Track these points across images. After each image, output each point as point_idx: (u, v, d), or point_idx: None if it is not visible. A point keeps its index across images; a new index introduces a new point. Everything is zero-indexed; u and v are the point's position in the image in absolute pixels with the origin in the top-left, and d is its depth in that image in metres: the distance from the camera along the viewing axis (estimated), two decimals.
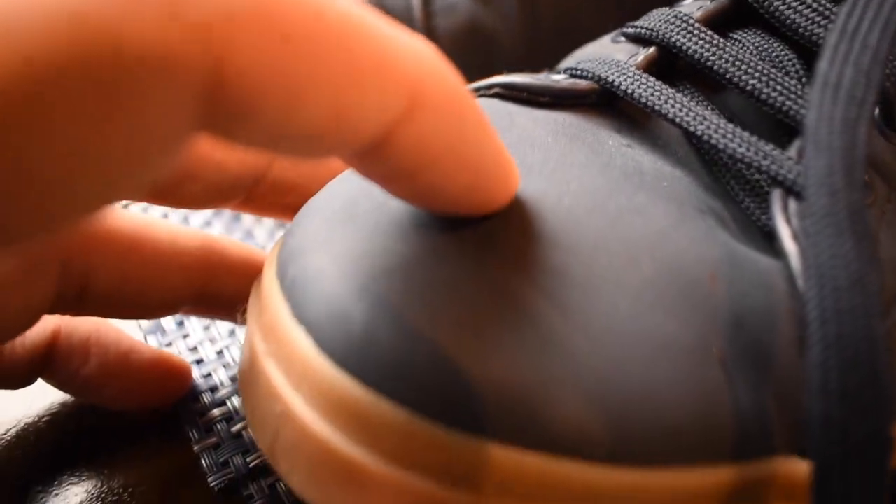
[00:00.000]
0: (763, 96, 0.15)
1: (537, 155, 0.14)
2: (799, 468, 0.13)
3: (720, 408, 0.12)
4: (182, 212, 0.25)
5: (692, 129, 0.15)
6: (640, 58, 0.16)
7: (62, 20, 0.08)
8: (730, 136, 0.14)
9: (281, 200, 0.18)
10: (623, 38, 0.17)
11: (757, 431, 0.13)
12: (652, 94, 0.15)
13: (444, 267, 0.12)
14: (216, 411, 0.19)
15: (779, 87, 0.15)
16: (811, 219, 0.12)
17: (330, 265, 0.12)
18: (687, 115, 0.15)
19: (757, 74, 0.15)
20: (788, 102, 0.15)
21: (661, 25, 0.16)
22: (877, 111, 0.16)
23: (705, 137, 0.15)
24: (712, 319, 0.13)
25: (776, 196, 0.14)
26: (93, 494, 0.18)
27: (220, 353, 0.21)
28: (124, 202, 0.17)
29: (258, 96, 0.09)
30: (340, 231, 0.12)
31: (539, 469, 0.11)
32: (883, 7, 0.14)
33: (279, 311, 0.12)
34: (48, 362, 0.17)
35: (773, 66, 0.16)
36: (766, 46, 0.16)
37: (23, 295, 0.15)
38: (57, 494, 0.18)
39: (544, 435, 0.11)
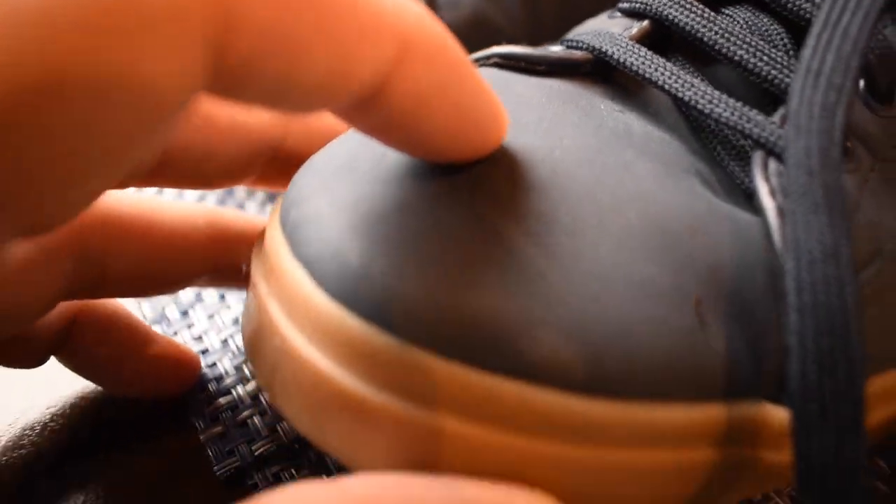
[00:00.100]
0: (750, 66, 0.16)
1: (532, 115, 0.15)
2: (770, 413, 0.14)
3: (694, 348, 0.13)
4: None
5: (680, 94, 0.15)
6: (634, 30, 0.17)
7: None
8: (715, 101, 0.15)
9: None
10: (619, 14, 0.19)
11: (729, 374, 0.14)
12: (643, 63, 0.16)
13: (437, 210, 0.13)
14: (222, 400, 0.20)
15: (765, 58, 0.16)
16: (791, 197, 0.13)
17: (328, 209, 0.13)
18: (675, 82, 0.16)
19: (745, 46, 0.16)
20: (774, 72, 0.15)
21: (654, 0, 0.17)
22: (862, 85, 0.16)
23: (692, 103, 0.15)
24: (690, 266, 0.14)
25: (757, 157, 0.15)
26: (99, 483, 0.19)
27: (224, 342, 0.21)
28: (139, 188, 0.17)
29: (263, 46, 0.10)
30: (340, 180, 0.14)
31: (519, 396, 0.12)
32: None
33: (280, 253, 0.13)
34: (65, 343, 0.18)
35: (761, 39, 0.16)
36: (755, 21, 0.17)
37: (41, 280, 0.15)
38: (62, 484, 0.18)
39: (524, 364, 0.12)
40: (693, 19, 0.17)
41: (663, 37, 0.18)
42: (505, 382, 0.12)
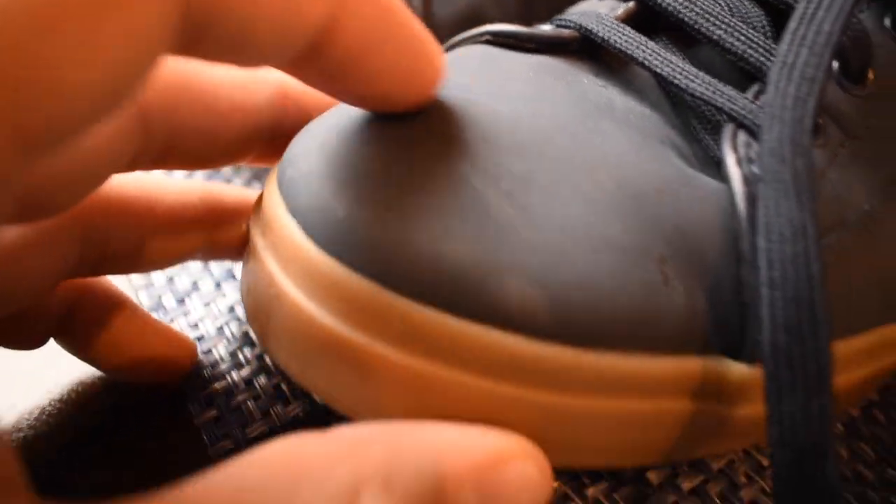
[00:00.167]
0: (727, 45, 0.16)
1: (517, 86, 0.16)
2: (731, 369, 0.15)
3: (655, 303, 0.14)
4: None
5: (658, 70, 0.16)
6: (620, 11, 0.18)
7: None
8: (692, 77, 0.16)
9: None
10: None
11: (690, 329, 0.14)
12: (625, 42, 0.17)
13: (419, 169, 0.14)
14: (217, 385, 0.20)
15: (743, 38, 0.16)
16: (763, 182, 0.14)
17: (319, 166, 0.14)
18: (655, 59, 0.16)
19: (724, 26, 0.17)
20: (750, 51, 0.16)
21: None
22: (837, 66, 0.17)
23: (670, 78, 0.16)
24: (656, 226, 0.14)
25: (728, 128, 0.16)
26: (97, 468, 0.19)
27: (220, 329, 0.22)
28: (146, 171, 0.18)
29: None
30: (330, 141, 0.15)
31: (489, 340, 0.13)
32: None
33: (276, 209, 0.15)
34: (65, 325, 0.18)
35: (740, 21, 0.17)
36: (737, 4, 0.18)
37: (45, 260, 0.16)
38: (60, 469, 0.19)
39: (493, 310, 0.13)
40: (675, 0, 0.17)
41: (651, 18, 0.18)
42: (476, 327, 0.13)
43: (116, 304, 0.19)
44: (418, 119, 0.15)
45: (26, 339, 0.18)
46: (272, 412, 0.20)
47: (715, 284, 0.15)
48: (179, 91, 0.17)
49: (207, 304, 0.23)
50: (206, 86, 0.17)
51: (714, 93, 0.16)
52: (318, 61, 0.13)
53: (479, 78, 0.17)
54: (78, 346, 0.19)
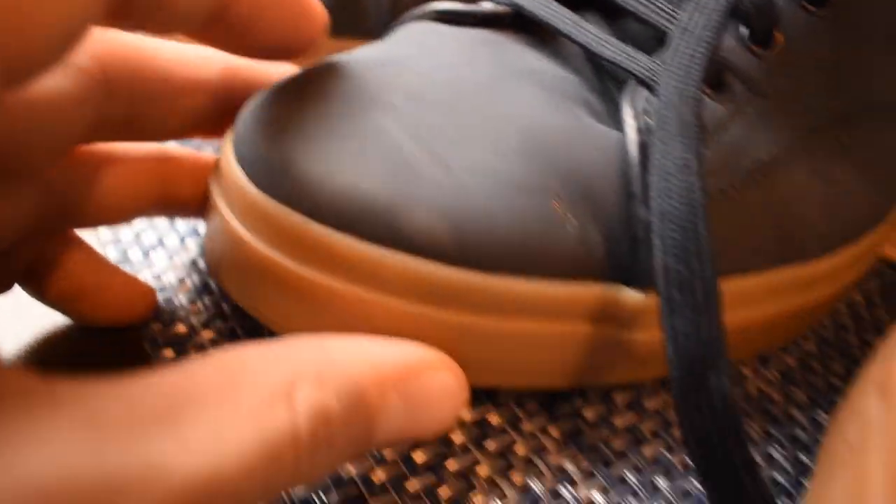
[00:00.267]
0: (641, 14, 0.19)
1: (449, 54, 0.19)
2: (625, 295, 0.17)
3: (549, 233, 0.16)
4: None
5: (576, 39, 0.18)
6: None
7: None
8: (604, 43, 0.18)
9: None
10: None
11: (583, 258, 0.17)
12: (551, 15, 0.19)
13: (344, 118, 0.16)
14: (174, 328, 0.22)
15: (654, 8, 0.19)
16: (658, 127, 0.17)
17: (258, 119, 0.17)
18: (575, 30, 0.19)
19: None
20: (659, 18, 0.18)
21: None
22: (746, 31, 0.19)
23: (586, 45, 0.18)
24: (554, 169, 0.17)
25: (630, 84, 0.18)
26: None
27: (181, 280, 0.23)
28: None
29: None
30: (269, 98, 0.17)
31: (398, 264, 0.15)
32: None
33: (226, 158, 0.17)
34: (29, 273, 0.20)
35: None
36: None
37: (7, 213, 0.17)
38: None
39: (402, 237, 0.15)
40: None
41: None
42: (388, 252, 0.15)
43: (79, 253, 0.21)
44: (349, 80, 0.18)
45: None
46: None
47: (607, 219, 0.17)
48: (139, 63, 0.19)
49: (171, 258, 0.24)
50: (163, 60, 0.19)
51: (621, 55, 0.18)
52: (224, 20, 0.15)
53: (418, 48, 0.19)
54: (41, 292, 0.21)
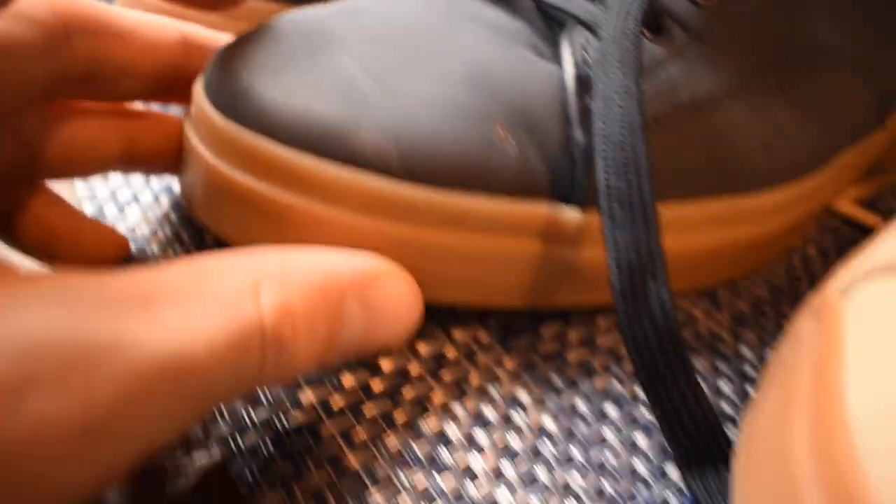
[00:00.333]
0: None
1: (407, 3, 0.20)
2: (565, 213, 0.19)
3: (491, 153, 0.18)
4: None
5: None
6: None
7: None
8: None
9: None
10: None
11: (523, 176, 0.18)
12: None
13: (305, 54, 0.18)
14: None
15: None
16: (599, 65, 0.18)
17: (223, 56, 0.19)
18: None
19: None
20: None
21: None
22: None
23: None
24: (496, 96, 0.18)
25: (570, 25, 0.20)
26: None
27: (154, 231, 0.24)
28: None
29: None
30: (235, 43, 0.19)
31: (350, 179, 0.17)
32: None
33: (197, 91, 0.19)
34: (2, 221, 0.21)
35: None
36: None
37: None
38: None
39: (353, 154, 0.17)
40: None
41: None
42: (340, 169, 0.17)
43: (50, 200, 0.22)
44: (311, 24, 0.19)
45: None
46: None
47: (546, 142, 0.18)
48: (100, 22, 0.20)
49: (145, 213, 0.25)
50: (123, 22, 0.21)
51: (566, 2, 0.20)
52: None
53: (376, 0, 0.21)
54: (15, 239, 0.22)
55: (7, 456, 0.11)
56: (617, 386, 0.21)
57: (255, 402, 0.19)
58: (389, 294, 0.17)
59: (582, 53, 0.19)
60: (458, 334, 0.21)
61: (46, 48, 0.19)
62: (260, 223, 0.18)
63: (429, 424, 0.19)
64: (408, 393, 0.20)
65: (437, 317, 0.21)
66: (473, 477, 0.18)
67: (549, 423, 0.19)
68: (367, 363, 0.20)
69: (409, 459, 0.18)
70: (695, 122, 0.20)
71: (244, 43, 0.19)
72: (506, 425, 0.19)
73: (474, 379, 0.20)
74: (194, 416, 0.14)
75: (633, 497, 0.18)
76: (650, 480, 0.18)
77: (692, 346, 0.22)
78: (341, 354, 0.17)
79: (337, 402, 0.19)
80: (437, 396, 0.20)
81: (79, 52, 0.20)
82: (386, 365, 0.20)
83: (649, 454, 0.19)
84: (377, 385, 0.20)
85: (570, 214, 0.19)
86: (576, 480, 0.18)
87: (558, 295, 0.20)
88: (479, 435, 0.19)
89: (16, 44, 0.18)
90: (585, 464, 0.19)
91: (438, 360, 0.20)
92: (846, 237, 0.28)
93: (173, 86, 0.22)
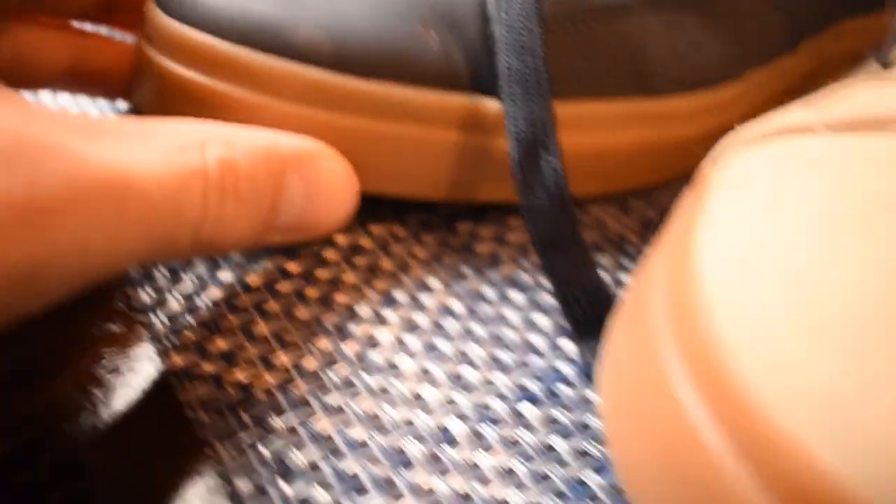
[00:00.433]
0: None
1: None
2: (485, 103, 0.21)
3: (416, 46, 0.20)
4: None
5: None
6: None
7: None
8: None
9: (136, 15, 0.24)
10: None
11: (446, 69, 0.20)
12: None
13: None
14: None
15: None
16: None
17: None
18: None
19: None
20: None
21: None
22: None
23: None
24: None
25: None
26: None
27: None
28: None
29: None
30: None
31: (287, 71, 0.19)
32: None
33: (148, 8, 0.21)
34: None
35: None
36: None
37: None
38: None
39: (289, 47, 0.19)
40: None
41: None
42: (278, 61, 0.19)
43: None
44: None
45: None
46: None
47: (467, 38, 0.21)
48: None
49: None
50: None
51: None
52: None
53: None
54: None
55: None
56: (523, 275, 0.22)
57: (178, 281, 0.20)
58: (329, 174, 0.19)
59: None
60: (375, 228, 0.23)
61: None
62: (205, 115, 0.19)
63: (339, 300, 0.20)
64: (322, 274, 0.21)
65: (356, 212, 0.22)
66: (377, 345, 0.19)
67: (455, 304, 0.21)
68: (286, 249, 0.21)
69: (317, 329, 0.19)
70: (608, 27, 0.22)
71: None
72: (413, 304, 0.21)
73: (386, 265, 0.22)
74: (138, 248, 0.15)
75: (525, 364, 0.19)
76: (544, 351, 0.20)
77: (600, 245, 0.24)
78: (282, 231, 0.18)
79: (253, 280, 0.20)
80: (350, 278, 0.21)
81: None
82: (303, 251, 0.21)
83: (546, 331, 0.20)
84: (293, 267, 0.21)
85: (489, 105, 0.21)
86: (473, 350, 0.20)
87: (478, 189, 0.22)
88: (387, 312, 0.20)
89: None
90: (485, 337, 0.20)
91: (354, 249, 0.22)
92: None
93: (115, 5, 0.24)
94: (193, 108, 0.19)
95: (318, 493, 0.16)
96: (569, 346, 0.20)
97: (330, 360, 0.19)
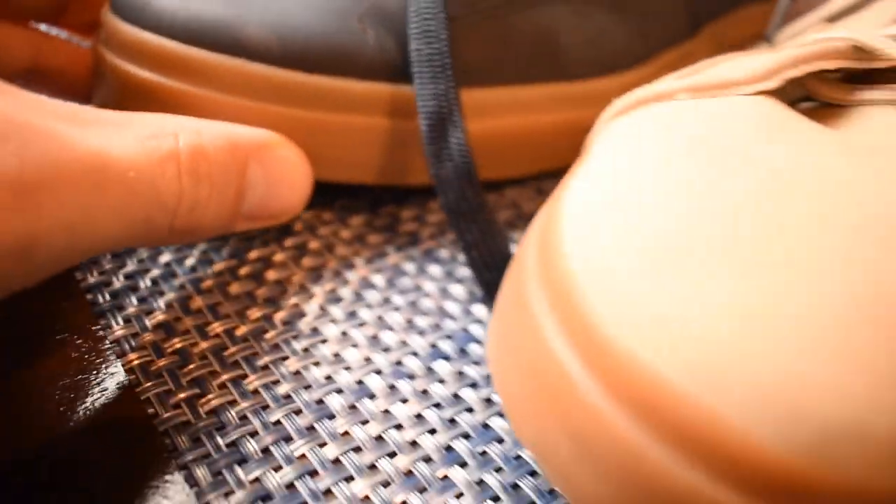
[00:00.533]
0: None
1: None
2: (412, 92, 0.23)
3: (354, 43, 0.22)
4: None
5: None
6: None
7: None
8: None
9: (88, 17, 0.25)
10: None
11: (380, 62, 0.23)
12: None
13: None
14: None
15: None
16: None
17: None
18: None
19: None
20: None
21: None
22: None
23: None
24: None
25: None
26: None
27: None
28: None
29: None
30: None
31: (238, 68, 0.21)
32: None
33: (105, 11, 0.23)
34: None
35: None
36: None
37: None
38: None
39: (240, 46, 0.21)
40: None
41: None
42: (230, 59, 0.21)
43: None
44: None
45: None
46: None
47: (397, 31, 0.23)
48: None
49: None
50: None
51: None
52: None
53: None
54: None
55: None
56: (441, 251, 0.24)
57: (134, 287, 0.22)
58: (285, 162, 0.21)
59: None
60: (304, 213, 0.25)
61: None
62: (160, 111, 0.21)
63: (269, 277, 0.22)
64: (252, 255, 0.23)
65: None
66: (303, 315, 0.21)
67: (376, 278, 0.23)
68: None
69: (248, 302, 0.21)
70: (525, 16, 0.25)
71: None
72: (337, 278, 0.23)
73: (313, 244, 0.24)
74: (119, 228, 0.17)
75: (440, 327, 0.21)
76: (457, 316, 0.22)
77: (514, 223, 0.26)
78: (246, 217, 0.20)
79: (189, 260, 0.22)
80: (279, 257, 0.23)
81: None
82: (232, 236, 0.23)
83: (460, 299, 0.23)
84: (226, 248, 0.23)
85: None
86: (392, 317, 0.22)
87: (408, 174, 0.24)
88: (311, 286, 0.22)
89: None
90: (403, 305, 0.22)
91: (284, 231, 0.24)
92: None
93: (67, 8, 0.26)
94: (152, 107, 0.21)
95: (249, 442, 0.18)
96: (480, 310, 0.22)
97: (260, 329, 0.21)
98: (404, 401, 0.19)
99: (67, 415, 0.18)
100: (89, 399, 0.18)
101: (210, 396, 0.19)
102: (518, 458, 0.18)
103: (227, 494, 0.17)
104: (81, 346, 0.20)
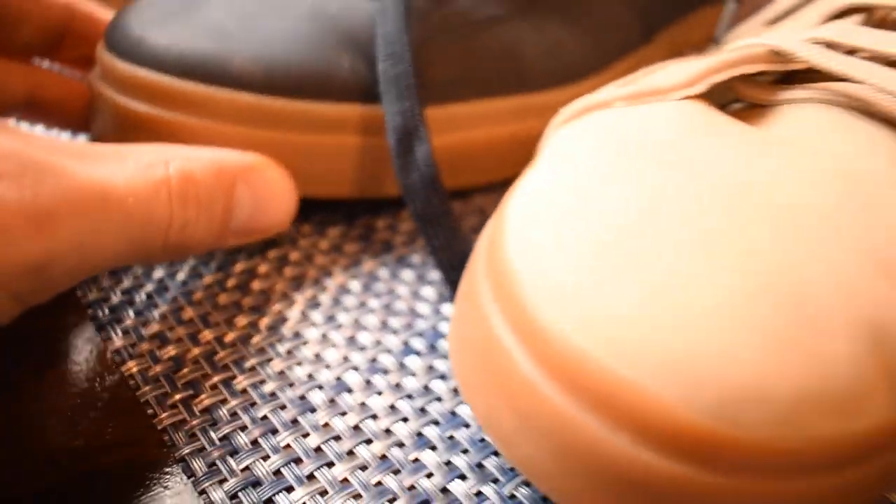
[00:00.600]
0: None
1: None
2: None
3: (331, 69, 0.24)
4: None
5: None
6: None
7: None
8: None
9: (81, 51, 0.27)
10: None
11: (354, 85, 0.25)
12: None
13: (182, 9, 0.25)
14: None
15: None
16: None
17: (120, 17, 0.25)
18: None
19: None
20: None
21: None
22: None
23: None
24: (332, 25, 0.25)
25: None
26: None
27: None
28: None
29: None
30: (133, 7, 0.25)
31: (227, 97, 0.24)
32: None
33: (100, 48, 0.25)
34: None
35: None
36: None
37: None
38: None
39: (227, 77, 0.23)
40: None
41: None
42: (219, 90, 0.23)
43: None
44: None
45: None
46: None
47: (368, 56, 0.25)
48: None
49: None
50: None
51: None
52: None
53: None
54: None
55: None
56: (412, 257, 0.26)
57: (132, 302, 0.24)
58: (270, 182, 0.23)
59: None
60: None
61: None
62: (159, 142, 0.23)
63: (254, 287, 0.24)
64: (238, 267, 0.25)
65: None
66: (286, 320, 0.23)
67: (352, 284, 0.25)
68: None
69: (235, 311, 0.23)
70: (485, 35, 0.27)
71: (135, 7, 0.25)
72: (316, 286, 0.25)
73: (294, 255, 0.26)
74: (120, 248, 0.19)
75: (411, 327, 0.23)
76: (428, 316, 0.24)
77: (478, 229, 0.28)
78: (235, 234, 0.22)
79: (180, 274, 0.24)
80: (262, 268, 0.25)
81: None
82: (227, 257, 0.25)
83: (431, 300, 0.25)
84: (213, 262, 0.25)
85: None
86: (367, 319, 0.24)
87: (382, 185, 0.26)
88: (293, 294, 0.24)
89: None
90: (377, 308, 0.24)
91: (267, 244, 0.26)
92: None
93: (61, 43, 0.28)
94: (148, 137, 0.23)
95: (239, 435, 0.20)
96: (449, 310, 0.24)
97: (247, 335, 0.23)
98: (379, 393, 0.21)
99: (76, 418, 0.20)
100: (94, 403, 0.20)
101: (203, 397, 0.21)
102: (482, 440, 0.20)
103: (220, 482, 0.19)
104: (86, 357, 0.22)
